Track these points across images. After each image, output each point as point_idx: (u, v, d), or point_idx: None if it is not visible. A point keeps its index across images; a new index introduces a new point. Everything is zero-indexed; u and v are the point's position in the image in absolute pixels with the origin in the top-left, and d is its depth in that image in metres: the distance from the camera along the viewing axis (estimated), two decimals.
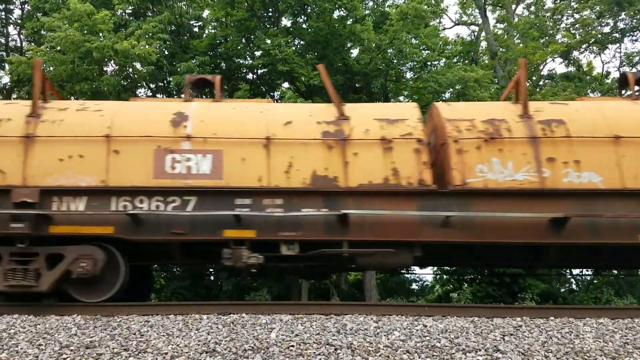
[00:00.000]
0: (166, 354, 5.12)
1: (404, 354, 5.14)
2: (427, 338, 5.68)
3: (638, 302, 15.74)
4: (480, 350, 5.29)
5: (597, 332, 6.02)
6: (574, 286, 19.42)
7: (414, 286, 21.84)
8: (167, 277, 16.75)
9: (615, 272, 16.34)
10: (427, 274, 22.86)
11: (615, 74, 20.62)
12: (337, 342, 5.41)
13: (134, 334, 5.82)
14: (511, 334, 5.78)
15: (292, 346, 5.30)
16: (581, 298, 16.75)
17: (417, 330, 5.96)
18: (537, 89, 18.38)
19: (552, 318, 6.49)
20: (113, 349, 5.29)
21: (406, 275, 20.82)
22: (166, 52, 17.45)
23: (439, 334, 5.81)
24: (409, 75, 18.47)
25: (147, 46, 14.39)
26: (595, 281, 18.53)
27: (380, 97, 18.13)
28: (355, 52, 18.08)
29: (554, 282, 17.29)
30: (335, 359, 4.95)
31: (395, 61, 17.10)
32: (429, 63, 16.94)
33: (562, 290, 18.47)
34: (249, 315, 6.56)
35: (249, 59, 17.77)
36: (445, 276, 18.82)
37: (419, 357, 5.07)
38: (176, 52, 17.30)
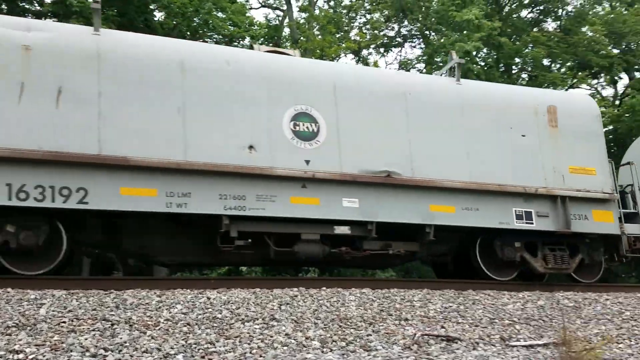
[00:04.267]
0: None
1: (184, 326, 5.21)
2: (210, 310, 5.83)
3: (397, 275, 18.10)
4: (258, 319, 5.62)
5: (360, 300, 6.83)
6: None
7: None
8: None
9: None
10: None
11: None
12: (114, 318, 5.25)
13: None
14: (287, 303, 6.25)
15: (64, 322, 4.99)
16: (352, 272, 18.66)
17: (200, 302, 6.08)
18: None
19: (324, 288, 7.17)
20: None
21: None
22: None
23: (221, 306, 6.01)
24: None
25: None
26: None
27: None
28: (159, 15, 17.21)
29: None
30: (111, 334, 4.80)
31: (201, 31, 16.73)
32: (234, 40, 16.95)
33: None
34: (16, 290, 5.97)
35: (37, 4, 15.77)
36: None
37: (199, 329, 5.19)
38: None
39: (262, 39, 19.21)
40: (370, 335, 5.55)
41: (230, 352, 4.67)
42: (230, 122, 7.56)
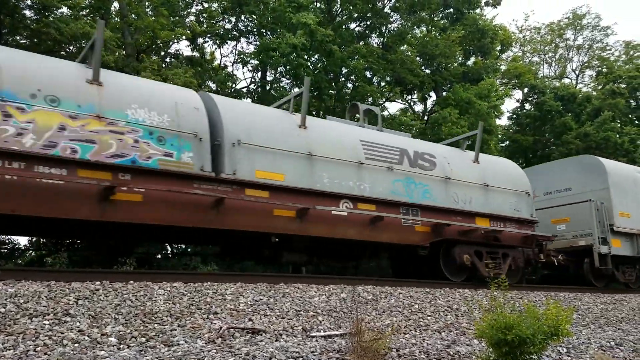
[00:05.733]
0: None
1: None
2: None
3: (219, 269, 17.98)
4: (49, 314, 5.15)
5: (169, 294, 6.62)
6: (169, 253, 20.69)
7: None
8: None
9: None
10: (21, 236, 20.61)
11: (230, 69, 23.09)
12: None
13: None
14: (86, 298, 5.82)
15: None
16: (174, 264, 18.00)
17: None
18: (165, 67, 18.90)
19: (131, 282, 6.81)
20: None
21: None
22: None
23: (6, 299, 5.39)
24: (28, 13, 16.32)
25: None
26: (189, 249, 20.21)
27: None
28: None
29: (152, 247, 18.02)
30: None
31: None
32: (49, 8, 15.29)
33: (159, 256, 19.43)
34: None
35: None
36: (42, 240, 17.36)
37: None
38: None
39: (85, 11, 17.63)
40: (175, 330, 5.42)
41: (10, 349, 4.22)
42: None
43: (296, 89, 23.17)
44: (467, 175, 11.36)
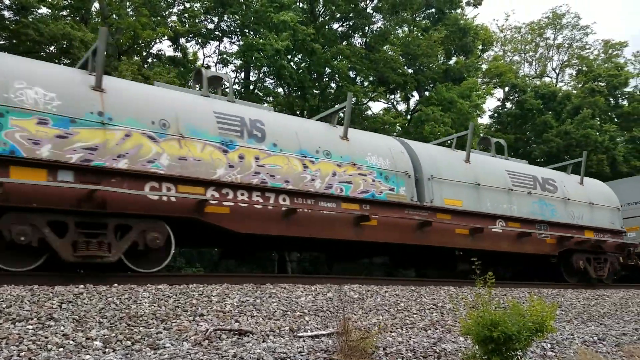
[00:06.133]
0: None
1: None
2: None
3: (205, 270, 17.88)
4: (32, 319, 5.08)
5: (155, 297, 6.57)
6: None
7: None
8: None
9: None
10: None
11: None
12: None
13: None
14: (70, 302, 5.75)
15: None
16: None
17: None
18: (145, 66, 18.75)
19: (115, 285, 6.75)
20: None
21: None
22: None
23: None
24: (7, 14, 16.08)
25: None
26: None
27: None
28: None
29: None
30: None
31: None
32: (26, 8, 15.08)
33: None
34: None
35: None
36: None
37: None
38: None
39: (65, 11, 17.41)
40: (161, 332, 5.38)
41: None
42: None
43: (280, 90, 23.15)
44: (578, 196, 14.09)
